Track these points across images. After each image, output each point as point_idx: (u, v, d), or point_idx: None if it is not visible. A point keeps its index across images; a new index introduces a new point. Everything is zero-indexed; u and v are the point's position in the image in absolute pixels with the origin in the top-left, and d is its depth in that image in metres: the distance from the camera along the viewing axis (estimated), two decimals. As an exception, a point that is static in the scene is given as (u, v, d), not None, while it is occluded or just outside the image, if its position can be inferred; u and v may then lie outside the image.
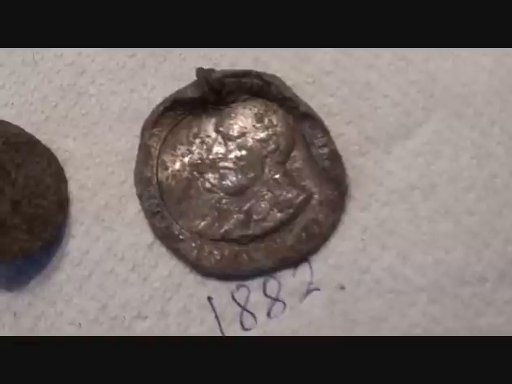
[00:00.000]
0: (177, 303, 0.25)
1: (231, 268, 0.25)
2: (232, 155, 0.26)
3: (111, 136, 0.27)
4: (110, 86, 0.28)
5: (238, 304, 0.25)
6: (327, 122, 0.26)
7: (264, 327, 0.25)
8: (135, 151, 0.27)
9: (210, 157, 0.26)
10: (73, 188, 0.27)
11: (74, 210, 0.26)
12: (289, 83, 0.26)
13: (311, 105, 0.26)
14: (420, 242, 0.25)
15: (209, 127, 0.27)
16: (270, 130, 0.26)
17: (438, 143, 0.26)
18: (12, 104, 0.28)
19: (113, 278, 0.26)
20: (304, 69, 0.27)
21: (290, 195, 0.26)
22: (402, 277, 0.25)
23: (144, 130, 0.26)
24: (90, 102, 0.28)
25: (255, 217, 0.26)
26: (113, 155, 0.27)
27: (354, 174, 0.26)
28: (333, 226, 0.25)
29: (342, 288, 0.25)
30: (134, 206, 0.26)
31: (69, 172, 0.27)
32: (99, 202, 0.27)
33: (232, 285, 0.25)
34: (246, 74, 0.26)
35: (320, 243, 0.25)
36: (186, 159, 0.26)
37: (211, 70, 0.26)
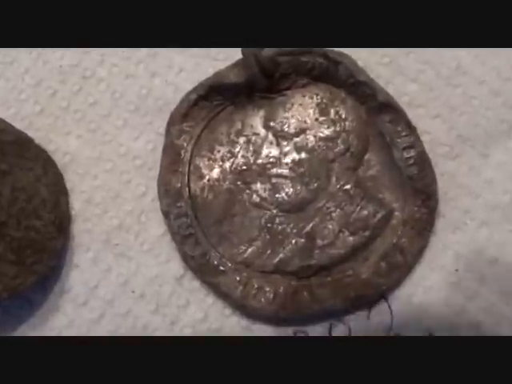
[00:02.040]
0: (215, 355, 0.23)
1: (288, 309, 0.23)
2: (288, 159, 0.24)
3: (126, 133, 0.25)
4: (124, 67, 0.26)
5: (297, 356, 0.23)
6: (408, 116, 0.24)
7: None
8: (159, 154, 0.24)
9: (259, 161, 0.24)
10: (76, 203, 0.25)
11: (78, 231, 0.24)
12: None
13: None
14: (530, 273, 0.23)
15: (256, 122, 0.24)
16: (337, 125, 0.24)
17: (549, 144, 0.25)
18: (-4, 92, 0.26)
19: (130, 321, 0.24)
20: (377, 46, 0.26)
21: (364, 212, 0.23)
22: (506, 320, 0.23)
23: (170, 125, 0.24)
24: (98, 89, 0.26)
25: (320, 241, 0.23)
26: (129, 159, 0.25)
27: (442, 184, 0.24)
28: (419, 254, 0.23)
29: (432, 335, 0.23)
30: (157, 227, 0.24)
31: (70, 181, 0.25)
32: (111, 222, 0.25)
33: (288, 330, 0.23)
34: (307, 51, 0.24)
35: (403, 276, 0.23)
36: (228, 164, 0.24)
37: (260, 49, 0.23)
